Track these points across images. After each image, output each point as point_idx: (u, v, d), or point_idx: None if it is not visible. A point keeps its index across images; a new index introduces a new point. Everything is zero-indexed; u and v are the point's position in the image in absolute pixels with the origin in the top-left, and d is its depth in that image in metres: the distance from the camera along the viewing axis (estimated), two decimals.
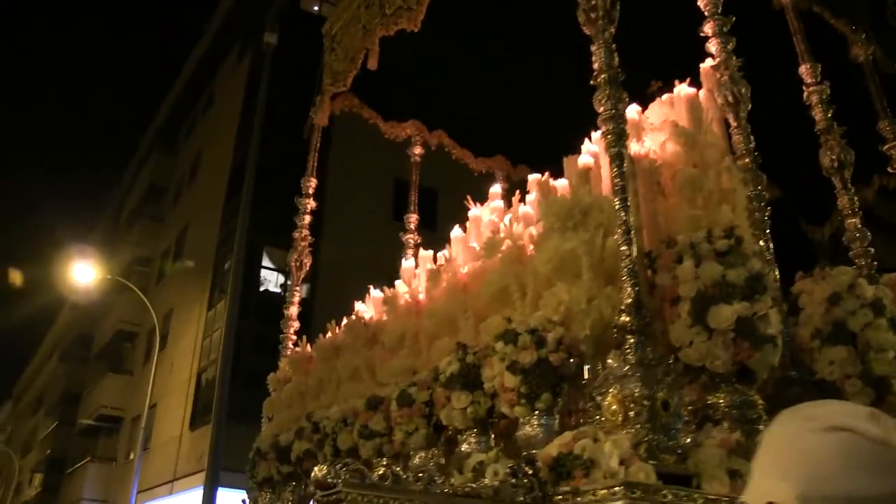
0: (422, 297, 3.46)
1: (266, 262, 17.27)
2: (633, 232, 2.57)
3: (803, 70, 4.16)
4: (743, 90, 3.48)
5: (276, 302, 17.11)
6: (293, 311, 4.93)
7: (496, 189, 5.24)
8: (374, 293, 4.60)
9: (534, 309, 2.74)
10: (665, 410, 2.28)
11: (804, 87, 4.14)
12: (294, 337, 4.87)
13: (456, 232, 4.65)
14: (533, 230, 3.02)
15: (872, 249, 3.72)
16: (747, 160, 3.30)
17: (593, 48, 3.02)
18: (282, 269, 16.64)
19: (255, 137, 9.52)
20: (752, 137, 3.38)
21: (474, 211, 4.94)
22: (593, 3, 3.05)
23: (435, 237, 5.59)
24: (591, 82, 2.98)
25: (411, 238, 5.71)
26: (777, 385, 2.87)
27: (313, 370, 4.25)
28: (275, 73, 10.07)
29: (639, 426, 2.23)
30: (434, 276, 3.28)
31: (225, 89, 22.64)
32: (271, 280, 17.41)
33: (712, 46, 3.68)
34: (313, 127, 5.57)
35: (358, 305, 4.63)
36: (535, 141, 6.23)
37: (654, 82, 5.94)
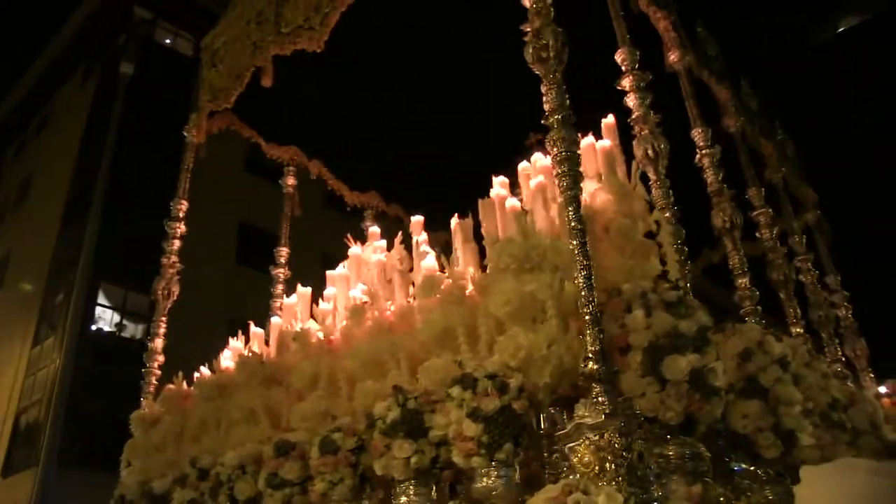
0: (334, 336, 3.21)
1: (102, 299, 15.71)
2: (593, 277, 2.52)
3: (696, 133, 4.40)
4: (662, 145, 3.60)
5: (110, 342, 15.79)
6: (158, 343, 4.49)
7: (375, 229, 5.11)
8: (236, 343, 4.33)
9: (484, 353, 2.60)
10: (640, 462, 2.21)
11: (697, 150, 4.38)
12: (158, 372, 4.41)
13: (338, 270, 4.45)
14: (471, 270, 2.89)
15: (760, 307, 3.96)
16: (667, 214, 3.39)
17: (544, 89, 2.98)
18: (117, 307, 15.29)
19: (103, 170, 8.77)
20: (670, 192, 3.49)
21: (355, 249, 4.77)
22: (545, 42, 3.02)
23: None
24: (543, 122, 2.94)
25: (281, 272, 5.44)
26: (702, 437, 2.91)
27: (192, 410, 3.82)
28: (126, 105, 9.45)
29: (620, 479, 2.14)
30: (357, 313, 3.04)
31: (63, 113, 20.69)
32: (105, 318, 15.91)
33: (630, 101, 3.79)
34: (187, 145, 5.18)
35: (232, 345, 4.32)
36: (410, 179, 6.19)
37: (532, 135, 6.13)
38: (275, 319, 4.06)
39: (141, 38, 16.61)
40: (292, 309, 4.21)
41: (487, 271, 2.86)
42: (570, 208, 2.65)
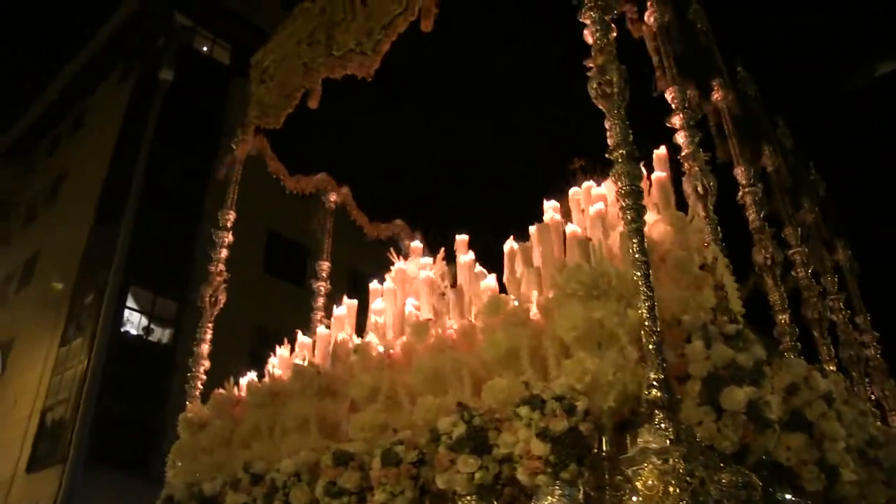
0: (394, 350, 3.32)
1: (130, 302, 15.88)
2: (656, 308, 2.62)
3: (738, 172, 4.51)
4: (711, 183, 3.71)
5: (137, 345, 15.93)
6: (204, 349, 4.61)
7: (417, 244, 5.23)
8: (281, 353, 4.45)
9: (552, 375, 2.71)
10: (702, 488, 2.31)
11: (740, 188, 4.49)
12: (203, 377, 4.53)
13: (386, 284, 4.57)
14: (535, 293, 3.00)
15: (800, 344, 4.04)
16: (717, 249, 3.49)
17: (607, 124, 3.10)
18: (145, 310, 15.47)
19: (137, 173, 8.93)
20: (719, 228, 3.60)
21: (401, 265, 4.88)
22: (609, 78, 3.14)
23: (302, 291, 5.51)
24: (607, 156, 3.06)
25: (322, 286, 5.56)
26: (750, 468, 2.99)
27: (242, 416, 3.92)
28: (163, 109, 9.65)
29: (683, 503, 2.23)
30: (421, 330, 3.15)
31: (99, 112, 20.89)
32: (133, 322, 16.07)
33: (680, 138, 3.90)
34: (234, 160, 5.31)
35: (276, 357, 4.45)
36: (434, 208, 6.29)
37: (576, 159, 6.24)
38: (321, 330, 4.15)
39: (181, 45, 16.91)
40: (341, 320, 4.33)
41: (550, 295, 2.97)
42: (634, 240, 2.76)
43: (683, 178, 3.78)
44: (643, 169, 4.04)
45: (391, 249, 5.38)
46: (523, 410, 2.50)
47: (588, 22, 3.40)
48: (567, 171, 6.20)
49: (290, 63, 5.20)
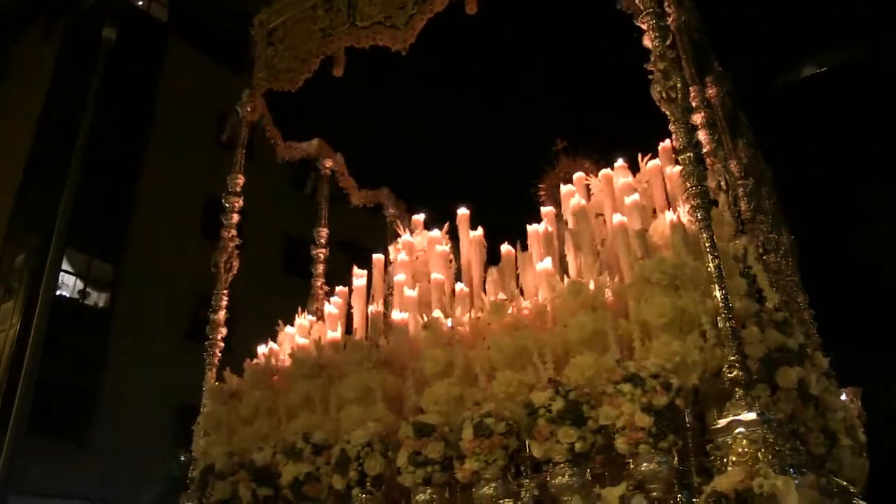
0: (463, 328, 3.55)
1: (65, 265, 15.03)
2: (729, 297, 2.98)
3: (732, 165, 4.93)
4: (731, 178, 4.09)
5: (72, 308, 15.14)
6: (221, 316, 4.64)
7: (419, 217, 5.42)
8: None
9: (631, 355, 3.03)
10: (786, 454, 2.70)
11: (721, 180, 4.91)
12: (222, 344, 4.59)
13: (401, 256, 4.76)
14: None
15: None
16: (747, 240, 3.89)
17: (672, 128, 3.39)
18: (81, 273, 14.70)
19: (82, 135, 8.50)
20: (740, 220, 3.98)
21: (407, 237, 5.08)
22: (672, 84, 3.43)
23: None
24: (676, 157, 3.36)
25: (321, 252, 5.67)
26: None
27: (284, 386, 4.03)
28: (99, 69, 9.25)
29: (773, 469, 2.61)
30: (499, 309, 3.38)
31: (20, 69, 19.55)
32: (68, 285, 15.23)
33: (701, 136, 4.24)
34: (240, 121, 5.27)
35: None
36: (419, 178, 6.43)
37: (558, 140, 6.55)
38: (371, 307, 4.29)
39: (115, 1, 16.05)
40: (360, 292, 4.50)
41: (629, 282, 3.28)
42: (705, 235, 3.09)
43: (708, 174, 4.10)
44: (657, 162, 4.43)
45: (397, 222, 5.53)
46: (626, 387, 2.80)
47: (646, 27, 3.67)
48: (550, 152, 6.53)
49: (304, 27, 5.17)
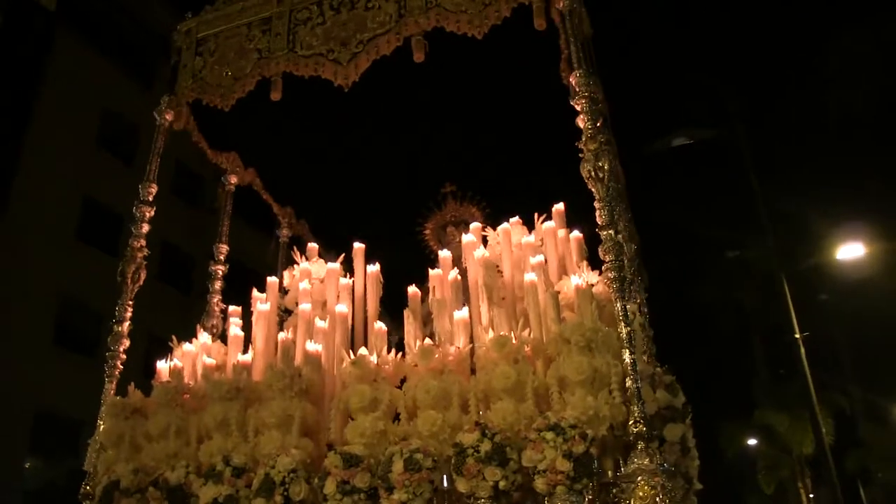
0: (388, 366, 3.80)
1: None
2: (636, 360, 3.44)
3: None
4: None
5: None
6: (125, 327, 4.56)
7: (314, 245, 5.61)
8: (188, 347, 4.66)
9: (547, 406, 3.42)
10: (679, 499, 3.19)
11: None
12: (123, 356, 4.52)
13: (302, 285, 4.93)
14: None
15: None
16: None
17: (597, 205, 3.82)
18: None
19: None
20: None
21: (305, 265, 5.27)
22: (601, 164, 3.88)
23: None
24: (598, 231, 3.79)
25: (220, 269, 5.69)
26: None
27: (198, 407, 4.07)
28: None
29: None
30: (427, 353, 3.65)
31: None
32: None
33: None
34: (159, 128, 5.22)
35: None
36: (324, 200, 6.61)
37: (447, 184, 6.95)
38: (280, 335, 4.39)
39: None
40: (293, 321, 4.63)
41: (548, 339, 3.67)
42: (618, 305, 3.55)
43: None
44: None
45: (294, 248, 5.65)
46: (549, 435, 3.18)
47: (579, 108, 4.11)
48: (439, 194, 6.90)
49: (239, 45, 5.20)
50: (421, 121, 6.16)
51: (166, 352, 4.85)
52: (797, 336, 12.68)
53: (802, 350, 12.54)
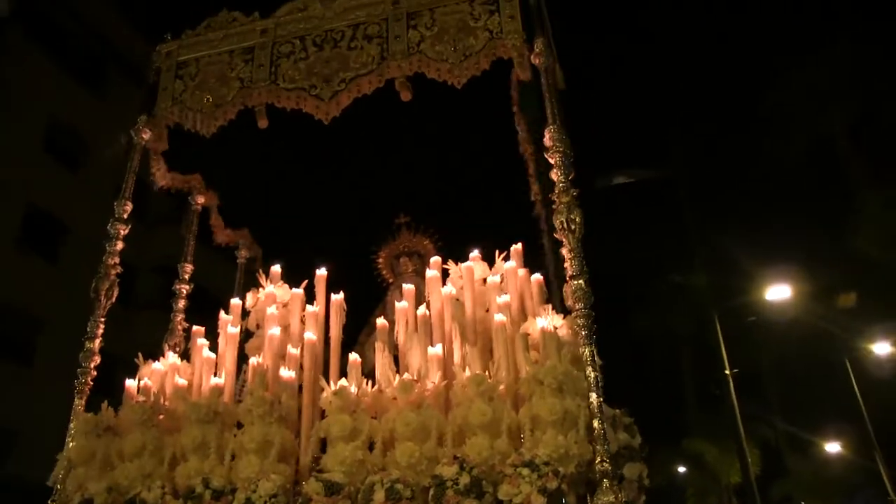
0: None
1: None
2: (601, 403, 3.74)
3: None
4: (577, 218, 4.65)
5: None
6: (96, 344, 4.61)
7: (277, 268, 5.73)
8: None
9: (518, 442, 3.68)
10: None
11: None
12: (94, 373, 4.55)
13: (270, 310, 5.06)
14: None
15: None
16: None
17: (567, 255, 4.12)
18: None
19: None
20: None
21: (271, 288, 5.40)
22: (573, 217, 4.17)
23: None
24: (566, 280, 4.07)
25: (185, 288, 5.74)
26: None
27: (173, 427, 4.14)
28: None
29: None
30: (407, 387, 3.85)
31: None
32: None
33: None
34: (132, 146, 5.26)
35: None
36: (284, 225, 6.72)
37: (402, 215, 7.18)
38: (252, 359, 4.50)
39: None
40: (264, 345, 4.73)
41: (523, 380, 3.92)
42: (587, 351, 3.84)
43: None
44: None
45: (260, 271, 5.74)
46: (524, 471, 3.44)
47: (553, 162, 4.41)
48: (392, 225, 7.11)
49: (219, 70, 5.31)
50: (379, 152, 6.38)
51: (125, 368, 4.89)
52: (727, 372, 13.53)
53: (731, 384, 13.40)
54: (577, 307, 3.99)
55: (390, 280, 6.90)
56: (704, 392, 21.91)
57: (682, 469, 25.70)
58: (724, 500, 23.53)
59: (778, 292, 16.26)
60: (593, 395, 3.71)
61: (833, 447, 24.24)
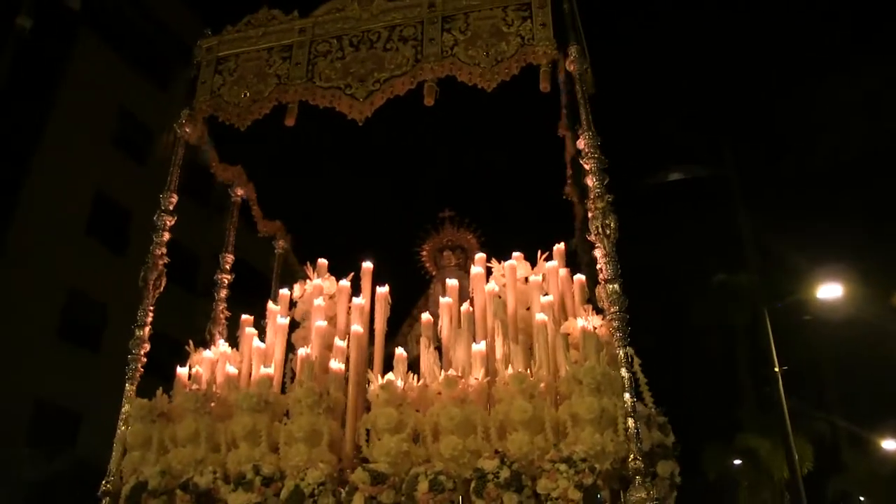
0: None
1: None
2: (635, 401, 3.86)
3: None
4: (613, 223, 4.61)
5: None
6: (146, 332, 4.80)
7: (323, 261, 5.86)
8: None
9: (558, 438, 3.82)
10: None
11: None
12: (144, 359, 4.76)
13: (316, 302, 5.23)
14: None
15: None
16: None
17: (603, 259, 4.23)
18: None
19: None
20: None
21: (318, 281, 5.57)
22: (607, 222, 4.29)
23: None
24: (604, 283, 4.18)
25: (226, 278, 5.94)
26: None
27: (224, 414, 4.36)
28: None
29: None
30: (452, 383, 4.02)
31: None
32: None
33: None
34: (176, 140, 5.43)
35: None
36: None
37: (446, 209, 7.30)
38: (301, 350, 4.69)
39: None
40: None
41: (562, 378, 4.06)
42: (622, 352, 3.96)
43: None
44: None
45: (307, 263, 5.92)
46: (562, 466, 3.58)
47: (588, 168, 4.51)
48: (436, 219, 7.26)
49: (258, 68, 5.46)
50: (425, 148, 6.50)
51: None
52: (776, 370, 13.79)
53: (780, 381, 13.67)
54: (612, 310, 4.10)
55: (433, 273, 7.05)
56: (760, 388, 22.03)
57: (737, 462, 26.07)
58: (776, 495, 23.70)
59: (830, 291, 16.43)
60: (628, 395, 3.84)
61: (890, 444, 24.33)
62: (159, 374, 5.07)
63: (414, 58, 5.27)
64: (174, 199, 5.26)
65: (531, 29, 5.06)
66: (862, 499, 25.60)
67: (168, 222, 5.18)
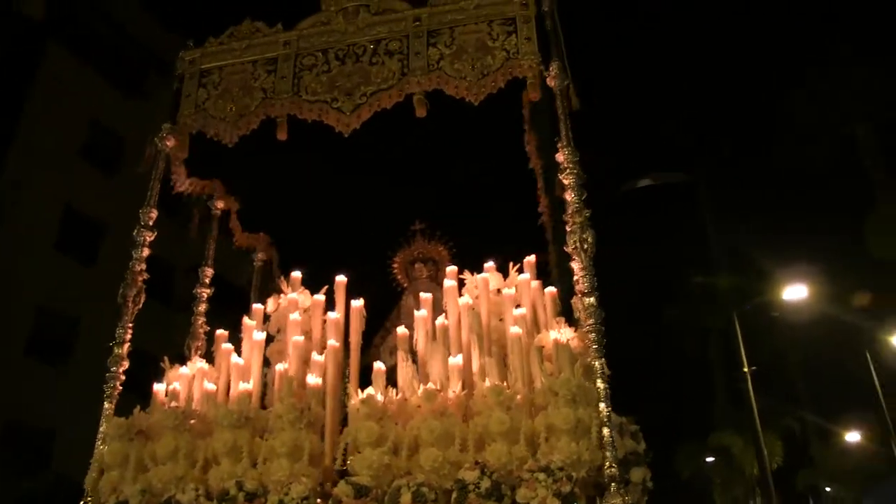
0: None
1: None
2: (611, 411, 3.99)
3: None
4: (590, 238, 4.55)
5: None
6: (125, 349, 4.81)
7: (297, 274, 5.92)
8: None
9: (535, 448, 3.93)
10: None
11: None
12: (123, 377, 4.77)
13: (292, 316, 5.29)
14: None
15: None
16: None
17: (579, 272, 4.36)
18: None
19: None
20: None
21: (293, 295, 5.62)
22: (585, 237, 4.41)
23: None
24: (580, 296, 4.31)
25: (205, 292, 5.95)
26: None
27: (204, 431, 4.39)
28: None
29: None
30: (431, 396, 4.11)
31: None
32: None
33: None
34: (157, 154, 5.43)
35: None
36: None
37: (417, 222, 7.39)
38: (279, 366, 4.74)
39: None
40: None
41: (538, 390, 4.17)
42: (597, 363, 4.09)
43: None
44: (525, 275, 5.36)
45: (281, 277, 5.96)
46: (541, 476, 3.69)
47: (567, 183, 4.63)
48: (407, 232, 7.34)
49: (244, 81, 5.49)
50: (395, 161, 6.57)
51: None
52: (745, 370, 14.43)
53: (749, 381, 14.34)
54: (589, 323, 4.23)
55: (405, 285, 7.12)
56: (732, 387, 22.64)
57: (710, 460, 26.76)
58: (748, 490, 24.39)
59: (796, 292, 17.09)
60: (602, 405, 3.97)
61: (853, 436, 25.24)
62: (134, 391, 5.07)
63: (400, 71, 5.36)
64: (154, 214, 5.27)
65: (516, 43, 5.20)
66: (828, 489, 26.49)
67: (147, 238, 5.18)
